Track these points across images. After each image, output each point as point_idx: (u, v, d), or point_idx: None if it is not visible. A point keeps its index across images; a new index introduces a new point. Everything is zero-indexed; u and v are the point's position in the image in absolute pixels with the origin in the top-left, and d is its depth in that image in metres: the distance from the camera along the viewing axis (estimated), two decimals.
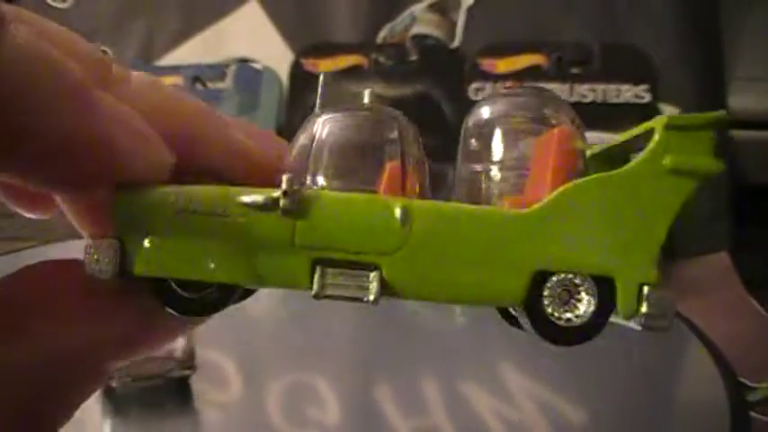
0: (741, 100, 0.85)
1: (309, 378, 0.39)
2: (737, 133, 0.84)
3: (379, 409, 0.36)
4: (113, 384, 0.35)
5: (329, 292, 0.16)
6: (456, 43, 0.93)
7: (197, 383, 0.38)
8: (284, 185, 0.16)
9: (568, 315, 0.15)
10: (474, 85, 0.90)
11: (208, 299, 0.16)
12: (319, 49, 0.94)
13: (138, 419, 0.36)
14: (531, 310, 0.15)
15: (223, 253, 0.15)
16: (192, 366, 0.36)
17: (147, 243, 0.15)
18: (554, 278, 0.15)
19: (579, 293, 0.15)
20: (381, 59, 0.93)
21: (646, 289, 0.15)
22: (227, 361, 0.41)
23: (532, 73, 0.89)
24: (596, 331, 0.15)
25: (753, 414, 0.43)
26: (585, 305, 0.15)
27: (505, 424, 0.35)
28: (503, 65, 0.90)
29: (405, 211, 0.16)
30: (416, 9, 0.94)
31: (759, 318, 0.71)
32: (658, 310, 0.16)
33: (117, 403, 0.35)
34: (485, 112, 0.22)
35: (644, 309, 0.15)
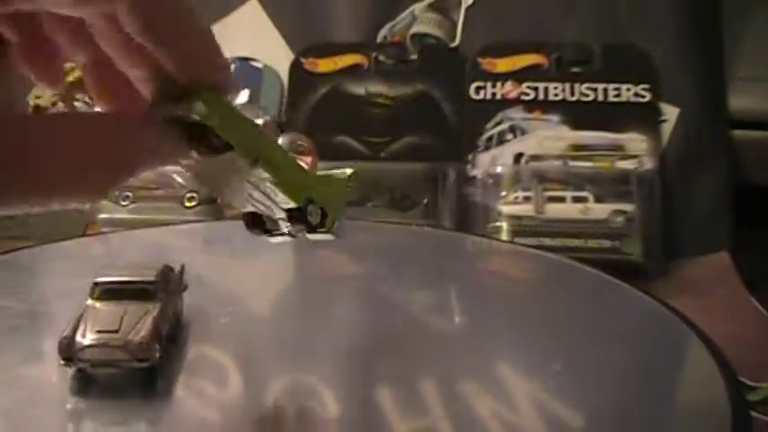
0: (742, 100, 0.85)
1: (308, 378, 0.39)
2: (738, 133, 0.84)
3: (378, 410, 0.36)
4: (75, 367, 0.37)
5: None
6: (456, 42, 0.93)
7: (194, 380, 0.39)
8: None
9: (314, 219, 0.33)
10: (474, 85, 0.90)
11: (209, 144, 0.29)
12: (319, 49, 0.94)
13: (99, 402, 0.38)
14: (303, 215, 0.33)
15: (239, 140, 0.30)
16: (147, 359, 0.37)
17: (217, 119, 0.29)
18: (312, 204, 0.33)
19: (316, 212, 0.33)
20: (381, 58, 0.93)
21: (336, 222, 0.34)
22: (225, 359, 0.41)
23: (533, 72, 0.90)
24: (321, 228, 0.33)
25: (753, 414, 0.43)
26: (319, 217, 0.33)
27: (504, 425, 0.35)
28: (503, 64, 0.90)
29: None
30: (416, 8, 0.94)
31: (759, 317, 0.71)
32: (340, 226, 0.34)
33: (81, 384, 0.37)
34: None
35: (335, 223, 0.34)
